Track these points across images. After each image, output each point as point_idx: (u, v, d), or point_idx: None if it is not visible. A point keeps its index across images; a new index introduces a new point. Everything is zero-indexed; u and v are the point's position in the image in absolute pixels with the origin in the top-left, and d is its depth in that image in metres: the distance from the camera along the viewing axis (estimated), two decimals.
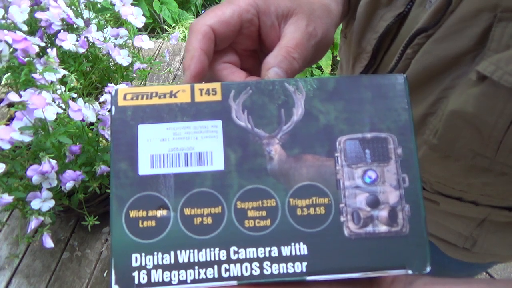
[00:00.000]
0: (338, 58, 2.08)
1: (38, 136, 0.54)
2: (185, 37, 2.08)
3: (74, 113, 0.54)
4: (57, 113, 0.53)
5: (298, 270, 0.22)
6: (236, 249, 0.22)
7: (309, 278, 0.22)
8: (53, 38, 0.68)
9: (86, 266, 0.76)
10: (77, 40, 0.67)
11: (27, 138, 0.51)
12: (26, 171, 0.51)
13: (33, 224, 0.55)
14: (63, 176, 0.54)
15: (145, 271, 0.22)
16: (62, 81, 0.61)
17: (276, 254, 0.22)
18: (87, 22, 0.71)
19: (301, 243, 0.22)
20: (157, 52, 1.12)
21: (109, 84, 0.65)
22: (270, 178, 0.23)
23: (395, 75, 0.24)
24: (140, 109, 0.23)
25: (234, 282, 0.22)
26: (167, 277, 0.22)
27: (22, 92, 0.52)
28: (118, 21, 0.82)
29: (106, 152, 0.62)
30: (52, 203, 0.56)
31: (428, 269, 0.22)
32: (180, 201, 0.22)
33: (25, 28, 0.64)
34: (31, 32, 0.70)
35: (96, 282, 0.74)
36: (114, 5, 0.72)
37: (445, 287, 0.24)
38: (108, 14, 0.81)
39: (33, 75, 0.56)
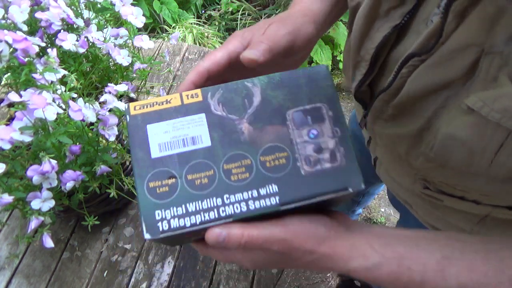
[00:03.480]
0: (338, 58, 2.08)
1: (38, 136, 0.54)
2: (185, 37, 2.07)
3: (74, 113, 0.54)
4: (57, 113, 0.53)
5: (274, 203, 0.31)
6: (228, 196, 0.31)
7: (282, 208, 0.31)
8: (53, 38, 0.68)
9: (86, 266, 0.76)
10: (77, 40, 0.67)
11: (27, 138, 0.51)
12: (26, 171, 0.51)
13: (33, 224, 0.55)
14: (63, 176, 0.55)
15: (166, 221, 0.30)
16: (62, 81, 0.61)
17: (256, 195, 0.31)
18: (87, 22, 0.71)
19: (273, 184, 0.31)
20: (157, 52, 1.11)
21: (109, 84, 0.65)
22: (244, 146, 0.32)
23: (319, 66, 0.35)
24: (147, 114, 0.33)
25: (230, 219, 0.30)
26: (182, 223, 0.30)
27: (22, 92, 0.52)
28: (118, 21, 0.82)
29: (106, 152, 0.62)
30: (52, 203, 0.56)
31: (362, 186, 0.31)
32: (183, 171, 0.31)
33: (25, 28, 0.64)
34: (31, 32, 0.69)
35: (96, 282, 0.74)
36: (114, 5, 0.71)
37: (375, 230, 0.33)
38: (108, 14, 0.81)
39: (33, 75, 0.56)
